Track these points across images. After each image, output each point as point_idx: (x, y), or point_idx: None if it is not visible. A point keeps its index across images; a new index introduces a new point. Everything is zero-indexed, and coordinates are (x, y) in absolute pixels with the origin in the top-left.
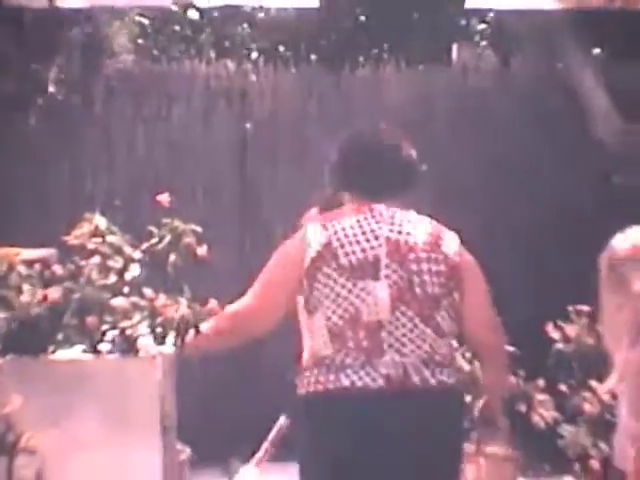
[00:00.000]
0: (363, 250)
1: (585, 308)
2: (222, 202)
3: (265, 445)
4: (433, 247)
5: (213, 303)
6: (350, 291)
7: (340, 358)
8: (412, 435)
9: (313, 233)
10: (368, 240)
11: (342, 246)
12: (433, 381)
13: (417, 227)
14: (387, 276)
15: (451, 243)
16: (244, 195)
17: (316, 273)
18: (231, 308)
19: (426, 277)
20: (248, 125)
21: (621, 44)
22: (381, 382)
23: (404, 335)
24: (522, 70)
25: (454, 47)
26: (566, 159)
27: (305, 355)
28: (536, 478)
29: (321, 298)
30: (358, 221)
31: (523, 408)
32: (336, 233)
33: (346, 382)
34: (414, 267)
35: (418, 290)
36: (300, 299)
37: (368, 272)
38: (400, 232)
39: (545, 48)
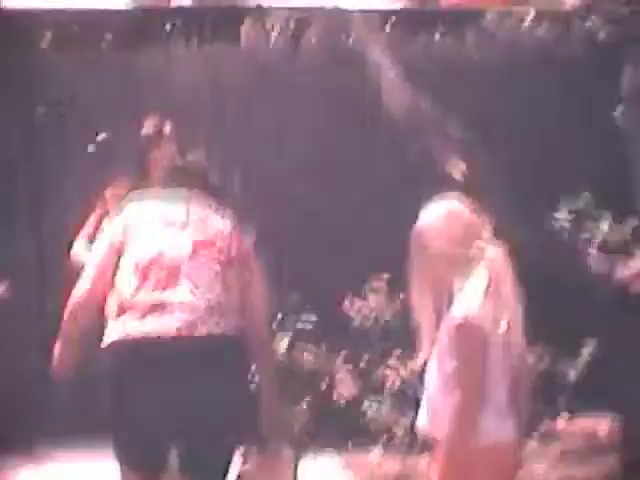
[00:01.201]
0: (175, 211)
1: (384, 276)
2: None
3: None
4: (226, 230)
5: None
6: (159, 235)
7: (142, 298)
8: (202, 377)
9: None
10: (175, 208)
11: (155, 205)
12: (218, 330)
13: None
14: (192, 230)
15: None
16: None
17: (132, 223)
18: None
19: (221, 242)
20: (38, 108)
21: (410, 19)
22: (174, 331)
23: (199, 280)
24: (312, 46)
25: (243, 26)
26: (358, 134)
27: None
28: (339, 454)
29: (133, 240)
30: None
31: (324, 384)
32: (147, 200)
33: (145, 329)
34: (212, 231)
35: (215, 248)
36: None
37: (177, 224)
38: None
39: (336, 22)
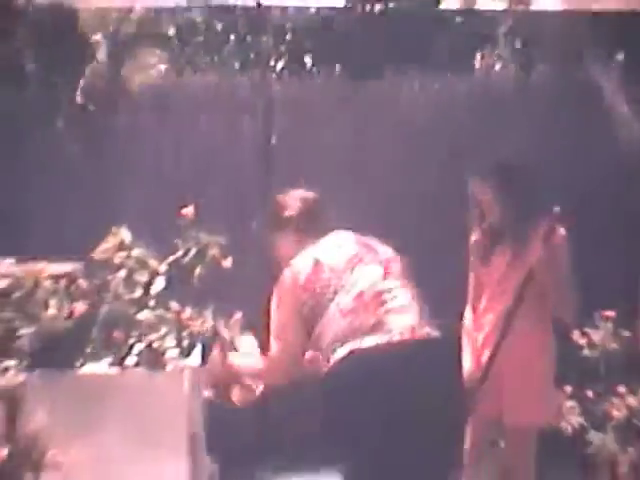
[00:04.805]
0: None
1: (611, 313)
2: (247, 214)
3: None
4: None
5: (238, 315)
6: None
7: None
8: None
9: None
10: None
11: None
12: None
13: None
14: None
15: None
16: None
17: None
18: None
19: None
20: (273, 136)
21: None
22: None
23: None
24: (543, 77)
25: (477, 55)
26: (591, 165)
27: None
28: None
29: None
30: None
31: None
32: None
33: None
34: None
35: None
36: None
37: None
38: None
39: (567, 54)
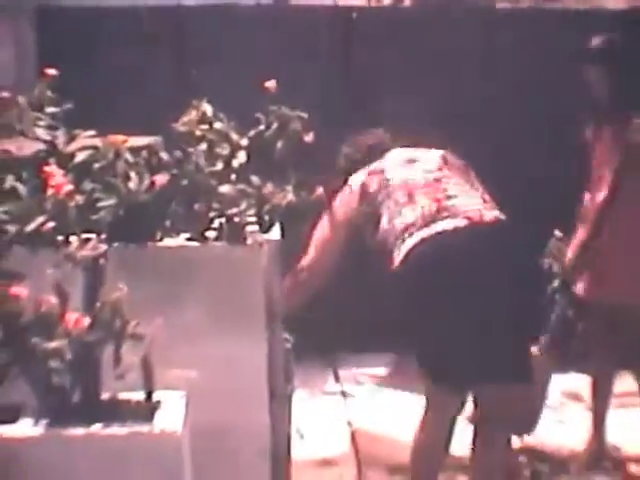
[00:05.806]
0: None
1: None
2: (328, 88)
3: None
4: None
5: (320, 190)
6: None
7: None
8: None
9: None
10: None
11: None
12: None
13: None
14: None
15: None
16: (350, 81)
17: None
18: None
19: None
20: (354, 13)
21: None
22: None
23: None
24: None
25: None
26: None
27: None
28: None
29: None
30: None
31: None
32: None
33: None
34: None
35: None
36: None
37: None
38: None
39: None
